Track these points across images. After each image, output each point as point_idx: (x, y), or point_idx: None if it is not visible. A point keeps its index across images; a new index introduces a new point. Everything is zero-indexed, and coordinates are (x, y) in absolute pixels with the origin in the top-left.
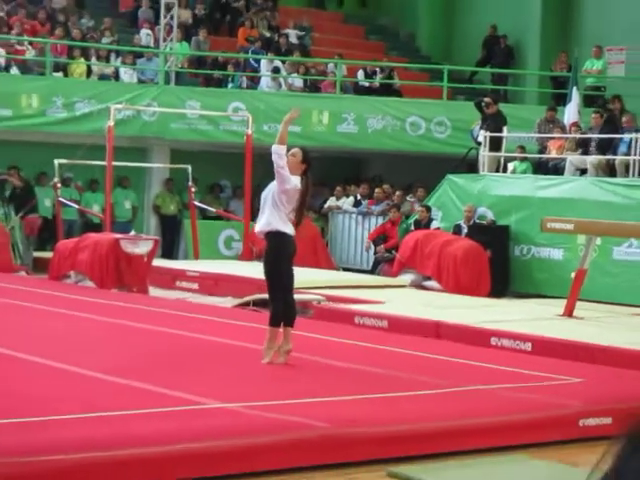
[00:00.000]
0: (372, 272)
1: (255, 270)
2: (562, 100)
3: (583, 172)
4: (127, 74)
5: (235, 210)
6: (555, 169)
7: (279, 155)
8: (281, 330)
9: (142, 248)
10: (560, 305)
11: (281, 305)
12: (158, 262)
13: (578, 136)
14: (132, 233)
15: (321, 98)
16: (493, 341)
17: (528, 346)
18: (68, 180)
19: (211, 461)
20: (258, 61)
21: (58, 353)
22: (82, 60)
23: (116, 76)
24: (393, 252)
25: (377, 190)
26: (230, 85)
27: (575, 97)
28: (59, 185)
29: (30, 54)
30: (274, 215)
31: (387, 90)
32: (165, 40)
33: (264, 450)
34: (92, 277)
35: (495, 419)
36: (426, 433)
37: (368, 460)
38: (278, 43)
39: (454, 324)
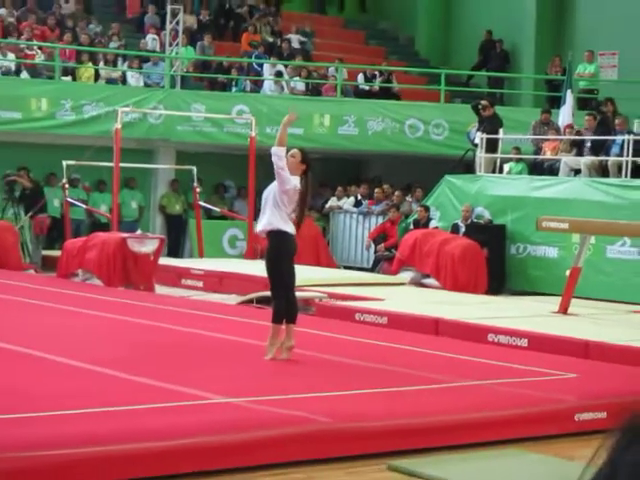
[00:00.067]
0: (372, 270)
1: (259, 268)
2: (556, 103)
3: (577, 173)
4: (134, 78)
5: (239, 210)
6: (550, 170)
7: (279, 156)
8: (284, 327)
9: (148, 247)
10: (555, 302)
11: (283, 302)
12: (164, 261)
13: (572, 137)
14: (139, 232)
15: (322, 101)
16: (490, 337)
17: (524, 342)
18: (76, 181)
19: (214, 455)
20: (261, 65)
21: (65, 349)
22: (90, 64)
23: (123, 80)
24: (393, 251)
25: (377, 190)
26: (234, 89)
27: (569, 100)
28: (67, 186)
29: (39, 59)
30: (275, 215)
31: (386, 93)
32: (171, 45)
33: (267, 444)
34: (99, 275)
35: (492, 414)
36: (425, 427)
37: (369, 454)
38: (280, 48)
39: (452, 321)
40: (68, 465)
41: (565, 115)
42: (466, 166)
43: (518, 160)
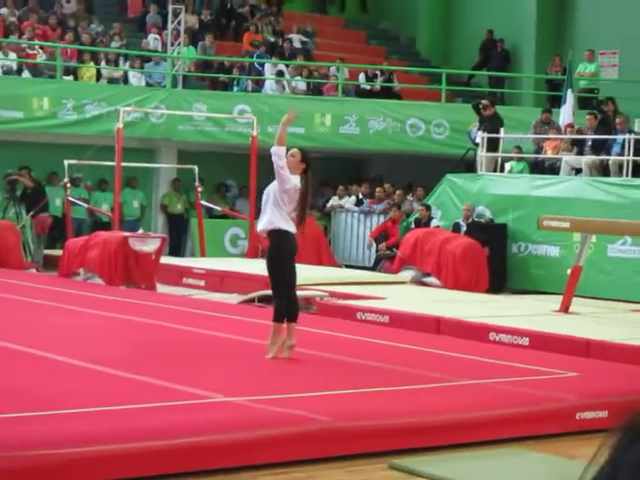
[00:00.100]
0: (374, 269)
1: (260, 267)
2: (557, 102)
3: (578, 172)
4: (135, 77)
5: (241, 209)
6: (551, 169)
7: (279, 156)
8: (285, 326)
9: (150, 246)
10: (556, 301)
11: (284, 301)
12: (165, 260)
13: (573, 137)
14: (140, 231)
15: (324, 101)
16: (491, 336)
17: (525, 341)
18: (78, 180)
19: (215, 454)
20: (262, 65)
21: (66, 348)
22: (92, 64)
23: (125, 79)
24: (394, 250)
25: (378, 189)
26: (235, 88)
27: (570, 99)
28: (69, 185)
29: (41, 58)
30: (276, 214)
31: (388, 93)
32: (172, 45)
33: (268, 443)
34: (101, 274)
35: (493, 412)
36: (426, 426)
37: (370, 453)
38: (282, 47)
39: (453, 319)
40: (70, 464)
41: (566, 114)
42: (467, 165)
43: (519, 159)
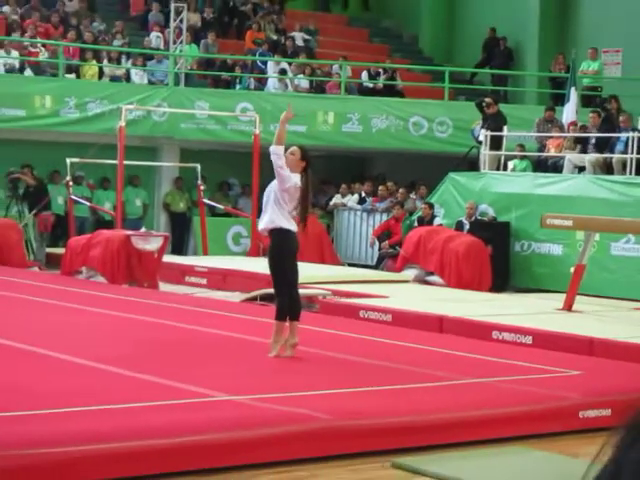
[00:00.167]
0: (376, 267)
1: (262, 266)
2: (560, 100)
3: (581, 170)
4: (138, 76)
5: (243, 207)
6: (554, 167)
7: (278, 155)
8: (287, 324)
9: (152, 244)
10: (559, 299)
11: (286, 300)
12: (168, 258)
13: (576, 135)
14: (143, 230)
15: (326, 99)
16: (494, 334)
17: (529, 339)
18: (80, 178)
19: (217, 452)
20: (265, 63)
21: (69, 347)
22: (94, 62)
23: (127, 78)
24: (397, 248)
25: (381, 188)
26: (238, 86)
27: (573, 97)
28: (71, 183)
29: (43, 56)
30: (276, 213)
31: (390, 91)
32: (175, 43)
33: (270, 442)
34: (103, 273)
35: (497, 411)
36: (429, 425)
37: (372, 451)
38: (284, 45)
39: (456, 318)
40: (72, 463)
41: (569, 112)
42: (470, 163)
43: (522, 157)
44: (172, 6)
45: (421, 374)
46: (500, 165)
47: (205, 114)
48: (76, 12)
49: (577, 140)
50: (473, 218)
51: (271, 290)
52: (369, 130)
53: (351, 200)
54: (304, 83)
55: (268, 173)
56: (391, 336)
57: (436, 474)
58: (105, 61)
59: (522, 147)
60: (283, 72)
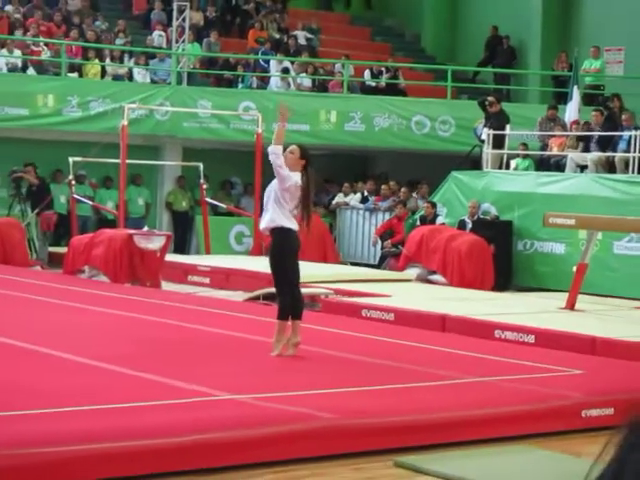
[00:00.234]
0: (379, 266)
1: (265, 265)
2: (563, 99)
3: (583, 168)
4: (140, 75)
5: (246, 206)
6: (556, 166)
7: (276, 155)
8: (289, 323)
9: (155, 243)
10: (562, 298)
11: (288, 299)
12: (170, 257)
13: (579, 133)
14: (145, 229)
15: (329, 97)
16: (497, 333)
17: (531, 338)
18: (82, 177)
19: (219, 451)
20: (268, 62)
21: (71, 346)
22: (96, 61)
23: (130, 76)
24: (399, 247)
25: (383, 187)
26: (240, 85)
27: (575, 96)
28: (74, 182)
29: (46, 55)
30: (277, 212)
31: (393, 90)
32: (177, 41)
33: (273, 441)
34: (106, 272)
35: (499, 410)
36: (432, 424)
37: (375, 450)
38: (287, 44)
39: (459, 317)
40: (74, 461)
41: (571, 111)
42: (473, 162)
43: (525, 156)
44: (175, 5)
45: (424, 373)
46: (503, 164)
47: (208, 113)
48: (79, 11)
49: (580, 138)
50: (475, 217)
51: (274, 289)
52: (372, 129)
53: (354, 199)
54: (306, 82)
55: (270, 172)
56: (393, 335)
57: (439, 473)
58: (108, 60)
59: (525, 146)
60: (285, 71)
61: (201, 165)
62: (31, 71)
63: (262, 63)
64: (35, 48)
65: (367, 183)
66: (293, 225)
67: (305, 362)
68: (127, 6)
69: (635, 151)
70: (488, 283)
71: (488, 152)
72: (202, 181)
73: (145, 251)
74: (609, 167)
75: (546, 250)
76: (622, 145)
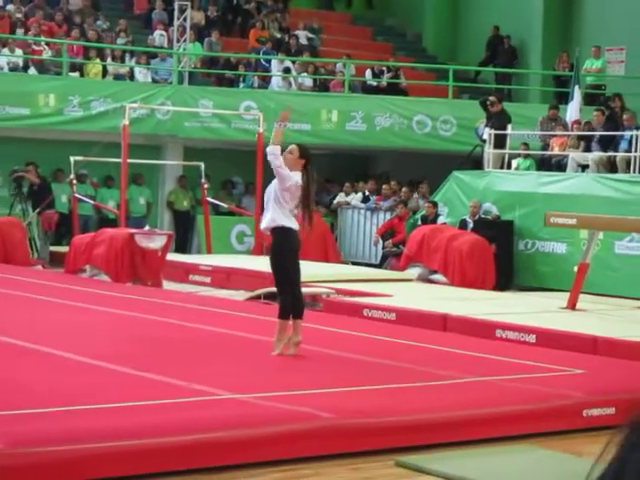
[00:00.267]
0: (380, 266)
1: (266, 264)
2: (564, 98)
3: (585, 168)
4: (141, 74)
5: (247, 206)
6: (558, 165)
7: (274, 155)
8: (290, 322)
9: (156, 243)
10: (563, 298)
11: (289, 298)
12: (172, 256)
13: (580, 133)
14: (146, 228)
15: (330, 97)
16: (498, 333)
17: (532, 338)
18: (84, 177)
19: (221, 451)
20: (269, 61)
21: (72, 345)
22: (98, 60)
23: (131, 76)
24: (400, 247)
25: (385, 186)
26: (242, 85)
27: (577, 95)
28: (75, 181)
29: (47, 54)
30: (277, 212)
31: (394, 89)
32: (178, 41)
33: (274, 440)
34: (107, 271)
35: (500, 409)
36: (433, 423)
37: (376, 450)
38: (288, 44)
39: (460, 317)
40: (75, 461)
41: (573, 111)
42: (474, 162)
43: (526, 156)
44: (176, 4)
45: (425, 373)
46: (504, 163)
47: (209, 112)
48: (80, 10)
49: (581, 138)
50: (477, 217)
51: (274, 288)
52: (373, 128)
53: (355, 199)
54: (308, 81)
55: (272, 172)
56: (395, 334)
57: (440, 473)
58: (109, 59)
59: (526, 145)
60: (287, 70)
61: (202, 165)
62: (32, 71)
63: (263, 63)
64: (36, 47)
65: (368, 183)
66: (293, 225)
67: (306, 361)
68: (128, 5)
69: (636, 151)
70: (489, 283)
71: (489, 152)
72: (203, 180)
73: (146, 250)
74: (610, 167)
75: (547, 250)
76: (623, 145)
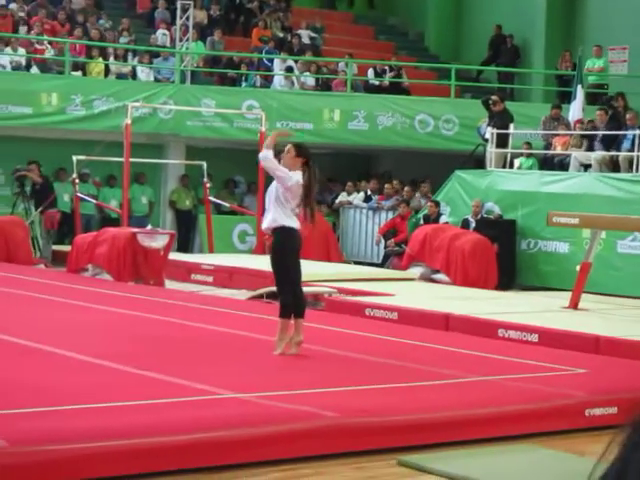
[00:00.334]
0: (382, 265)
1: (268, 263)
2: (567, 98)
3: (587, 167)
4: (144, 73)
5: (249, 205)
6: (560, 165)
7: (266, 159)
8: (292, 322)
9: (158, 242)
10: (565, 297)
11: (289, 297)
12: (174, 256)
13: (582, 132)
14: (149, 227)
15: (332, 96)
16: (500, 332)
17: (534, 337)
18: (86, 176)
19: (222, 450)
20: (271, 60)
21: (75, 344)
22: (100, 59)
23: (133, 75)
24: (403, 246)
25: (387, 186)
26: (244, 84)
27: (579, 95)
28: (77, 181)
29: (50, 53)
30: (279, 212)
31: (396, 88)
32: (181, 40)
33: (275, 439)
34: (109, 270)
35: (503, 409)
36: (435, 423)
37: (378, 449)
38: (291, 43)
39: (462, 316)
40: (77, 460)
41: (575, 110)
42: (476, 161)
43: (528, 155)
44: (178, 3)
45: (427, 372)
46: (506, 163)
47: (211, 112)
48: (82, 9)
49: (583, 137)
50: (479, 216)
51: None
52: (375, 128)
53: (357, 198)
54: (310, 81)
55: None
56: (397, 334)
57: (442, 472)
58: (111, 58)
59: (528, 145)
60: (289, 70)
61: (204, 164)
62: (35, 69)
63: (266, 62)
64: (39, 46)
65: (370, 182)
66: (295, 224)
67: (308, 361)
68: (131, 4)
69: (639, 150)
70: (492, 282)
71: (492, 151)
72: (205, 180)
73: (148, 250)
74: (613, 166)
75: (550, 249)
76: (626, 144)
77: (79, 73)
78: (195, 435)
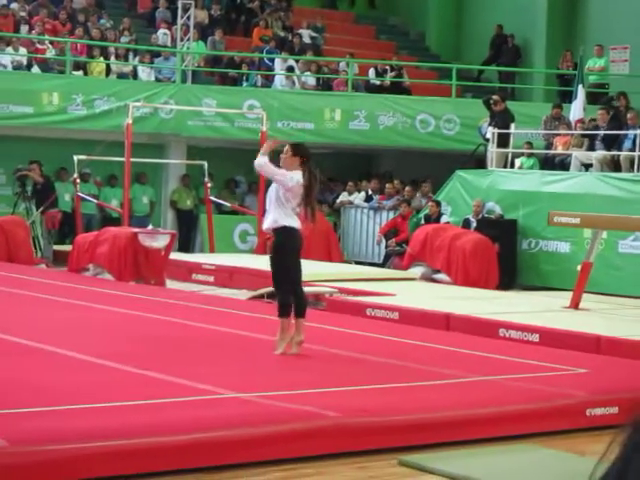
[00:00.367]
0: (383, 265)
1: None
2: (568, 97)
3: (588, 167)
4: (145, 73)
5: (250, 205)
6: (561, 165)
7: (261, 164)
8: (293, 321)
9: (159, 242)
10: (567, 297)
11: (287, 296)
12: (175, 255)
13: (584, 132)
14: (150, 227)
15: (333, 96)
16: (501, 332)
17: (535, 337)
18: (87, 175)
19: (223, 450)
20: (272, 60)
21: (76, 344)
22: (101, 59)
23: (134, 75)
24: (404, 246)
25: (388, 185)
26: (245, 83)
27: (580, 94)
28: (78, 180)
29: (51, 53)
30: (279, 212)
31: (397, 88)
32: (182, 40)
33: (277, 439)
34: (110, 270)
35: (504, 409)
36: (436, 422)
37: (379, 449)
38: (292, 43)
39: (463, 316)
40: (78, 459)
41: (576, 110)
42: (477, 161)
43: (529, 155)
44: (179, 3)
45: (428, 372)
46: (507, 163)
47: (212, 111)
48: (84, 9)
49: (584, 137)
50: (480, 216)
51: None
52: (376, 127)
53: (358, 198)
54: (311, 80)
55: None
56: (398, 334)
57: (443, 472)
58: (112, 58)
59: (529, 144)
60: (290, 69)
61: (205, 163)
62: (36, 69)
63: (267, 61)
64: (40, 46)
65: (371, 182)
66: (296, 223)
67: (309, 360)
68: (132, 4)
69: None
70: (492, 282)
71: (493, 151)
72: (206, 179)
73: (149, 249)
74: (614, 166)
75: (551, 249)
76: (627, 144)
77: (80, 73)
78: (195, 435)
